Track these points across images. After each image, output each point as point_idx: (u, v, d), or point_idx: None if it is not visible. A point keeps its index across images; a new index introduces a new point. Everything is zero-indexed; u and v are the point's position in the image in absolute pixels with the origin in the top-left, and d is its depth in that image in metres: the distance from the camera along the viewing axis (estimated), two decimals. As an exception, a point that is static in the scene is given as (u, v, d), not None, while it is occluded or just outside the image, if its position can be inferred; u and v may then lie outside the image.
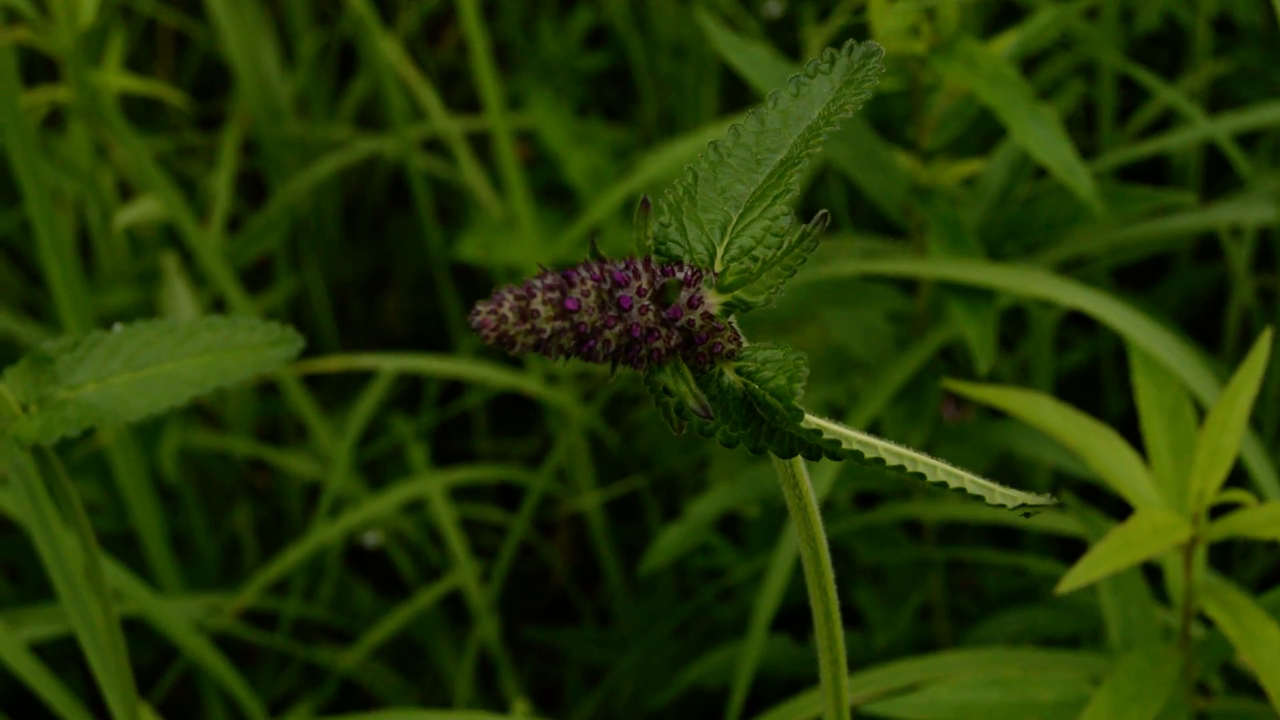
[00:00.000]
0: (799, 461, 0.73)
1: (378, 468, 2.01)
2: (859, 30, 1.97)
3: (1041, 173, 1.67)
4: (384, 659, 1.87)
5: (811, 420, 0.66)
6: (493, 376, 1.72)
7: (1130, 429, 1.22)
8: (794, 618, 1.63)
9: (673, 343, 0.66)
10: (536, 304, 0.63)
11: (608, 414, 1.93)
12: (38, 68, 2.24)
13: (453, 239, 2.05)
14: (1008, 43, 1.47)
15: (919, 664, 1.24)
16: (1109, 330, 1.85)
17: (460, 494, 1.96)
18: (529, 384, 1.73)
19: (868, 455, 0.66)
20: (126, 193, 2.02)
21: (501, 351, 2.03)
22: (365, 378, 1.93)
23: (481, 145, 2.17)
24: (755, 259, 0.70)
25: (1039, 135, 1.34)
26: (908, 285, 1.54)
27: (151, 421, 1.79)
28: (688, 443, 1.81)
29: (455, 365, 1.75)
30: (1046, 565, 1.57)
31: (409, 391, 2.11)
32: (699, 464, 1.84)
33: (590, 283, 0.65)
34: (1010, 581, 1.66)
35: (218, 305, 1.96)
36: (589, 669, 1.85)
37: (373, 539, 1.85)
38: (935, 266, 1.38)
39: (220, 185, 1.98)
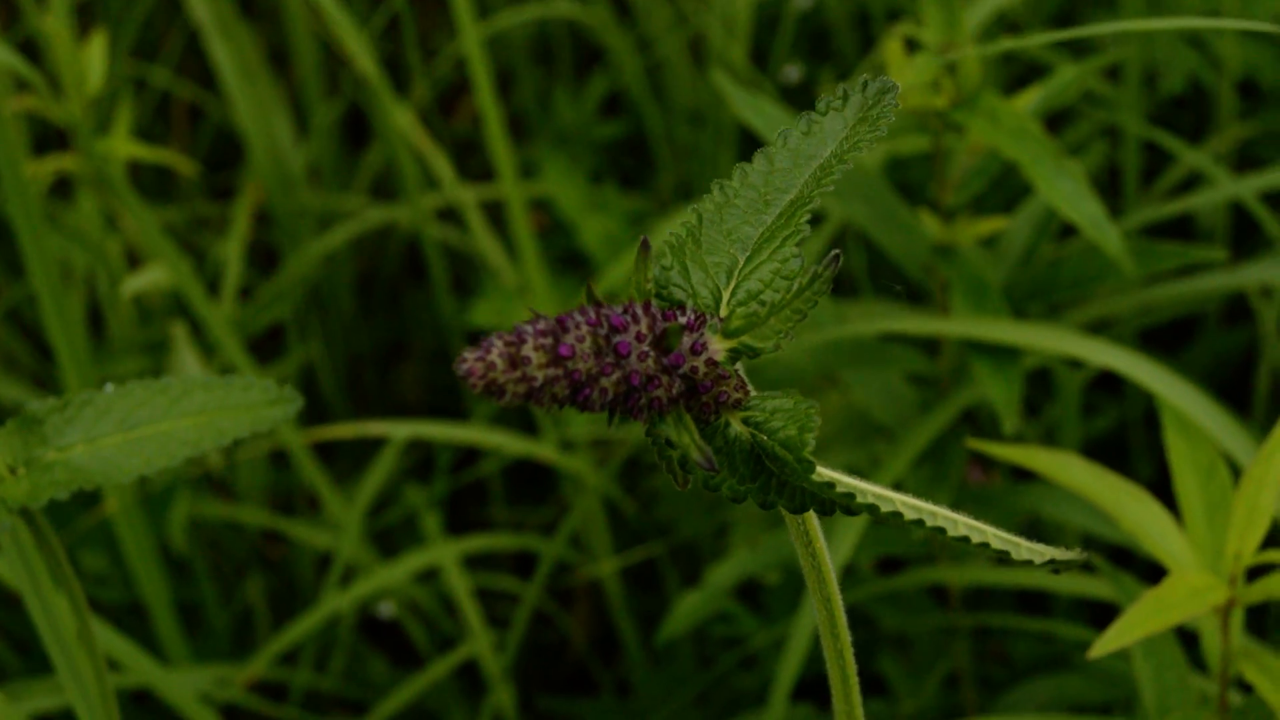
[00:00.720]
0: (813, 519, 0.69)
1: (391, 538, 1.97)
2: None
3: (1066, 233, 1.63)
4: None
5: (824, 473, 0.63)
6: (506, 443, 1.69)
7: (1159, 495, 1.18)
8: (817, 686, 1.58)
9: (674, 391, 0.63)
10: (527, 350, 0.60)
11: (626, 482, 1.89)
12: (51, 138, 2.23)
13: (467, 308, 2.02)
14: (1030, 99, 1.44)
15: (946, 734, 1.20)
16: (1136, 395, 1.81)
17: (477, 565, 1.92)
18: (544, 451, 1.70)
19: (884, 509, 0.62)
20: (136, 263, 2.00)
21: (516, 417, 2.01)
22: (380, 450, 1.90)
23: (498, 215, 2.15)
24: (763, 303, 0.67)
25: (1064, 190, 1.31)
26: (930, 346, 1.50)
27: (160, 491, 1.76)
28: (708, 509, 1.78)
29: (468, 432, 1.71)
30: (1077, 631, 1.53)
31: (424, 462, 2.08)
32: (719, 531, 1.80)
33: (585, 328, 0.61)
34: (1040, 648, 1.62)
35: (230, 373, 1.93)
36: (608, 743, 1.81)
37: (387, 610, 1.81)
38: (959, 325, 1.35)
39: (231, 253, 1.96)
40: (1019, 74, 2.01)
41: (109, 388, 0.95)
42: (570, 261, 2.14)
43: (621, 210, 1.97)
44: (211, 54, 2.03)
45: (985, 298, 1.37)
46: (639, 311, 0.62)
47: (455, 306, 2.04)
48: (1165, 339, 2.00)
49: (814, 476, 0.62)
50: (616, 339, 0.61)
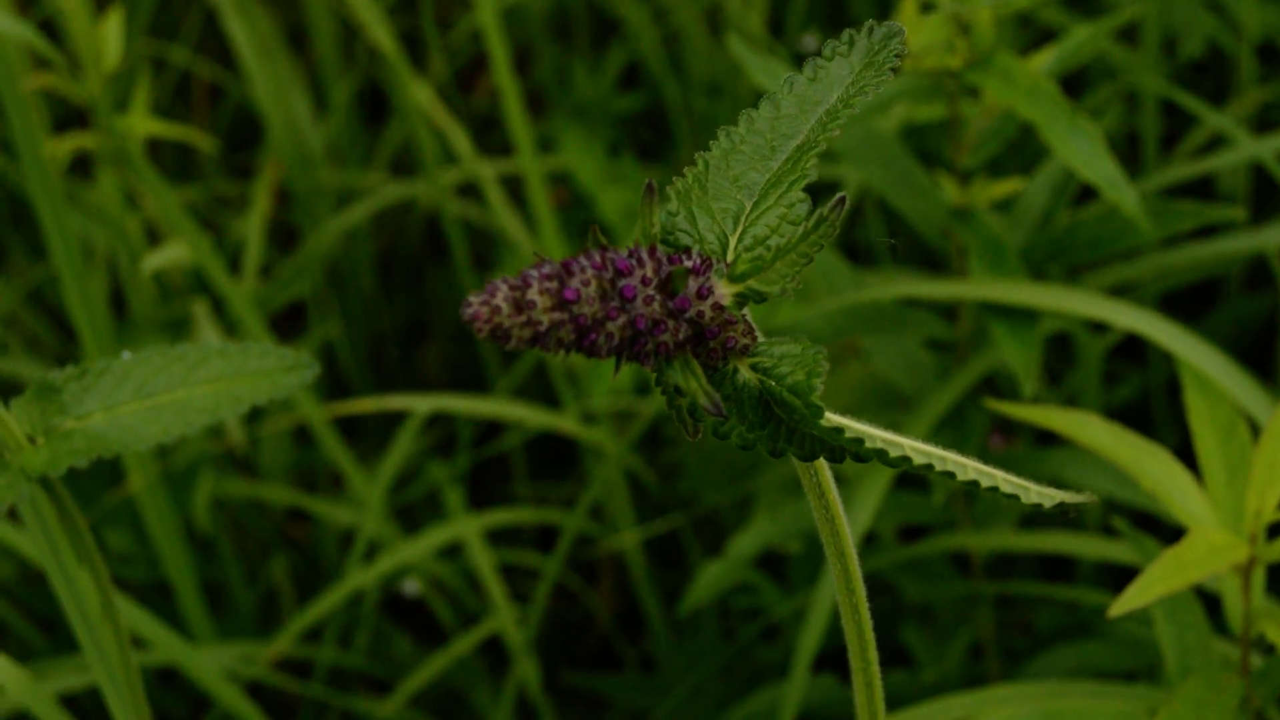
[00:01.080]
0: (825, 469, 0.69)
1: (414, 514, 1.97)
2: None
3: (1084, 198, 1.63)
4: (424, 708, 1.83)
5: (832, 418, 0.62)
6: (529, 416, 1.69)
7: (1183, 463, 1.18)
8: (840, 658, 1.58)
9: (681, 336, 0.62)
10: (533, 294, 0.59)
11: (647, 455, 1.89)
12: (70, 117, 2.23)
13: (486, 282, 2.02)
14: (1045, 59, 1.43)
15: (969, 698, 1.20)
16: (1159, 363, 1.80)
17: (500, 541, 1.92)
18: (565, 423, 1.70)
19: (893, 454, 0.62)
20: (157, 241, 2.00)
21: (538, 391, 2.00)
22: (403, 428, 1.90)
23: (517, 189, 2.14)
24: (769, 247, 0.66)
25: (1080, 150, 1.30)
26: (949, 312, 1.50)
27: (183, 469, 1.76)
28: (730, 481, 1.77)
29: (490, 405, 1.71)
30: (1100, 598, 1.52)
31: (447, 440, 2.08)
32: (742, 503, 1.80)
33: (591, 272, 0.61)
34: (1063, 617, 1.61)
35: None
36: (633, 716, 1.81)
37: (412, 588, 1.81)
38: (977, 288, 1.34)
39: (252, 230, 1.96)
40: (1036, 40, 2.00)
41: (126, 355, 0.95)
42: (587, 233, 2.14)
43: (639, 181, 1.97)
44: (229, 32, 2.03)
45: (1002, 260, 1.36)
46: (644, 255, 0.62)
47: (475, 280, 2.04)
48: (1187, 305, 2.00)
49: (821, 421, 0.61)
50: (622, 282, 0.61)
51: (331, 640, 1.76)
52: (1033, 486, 0.64)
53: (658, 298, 0.61)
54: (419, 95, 1.97)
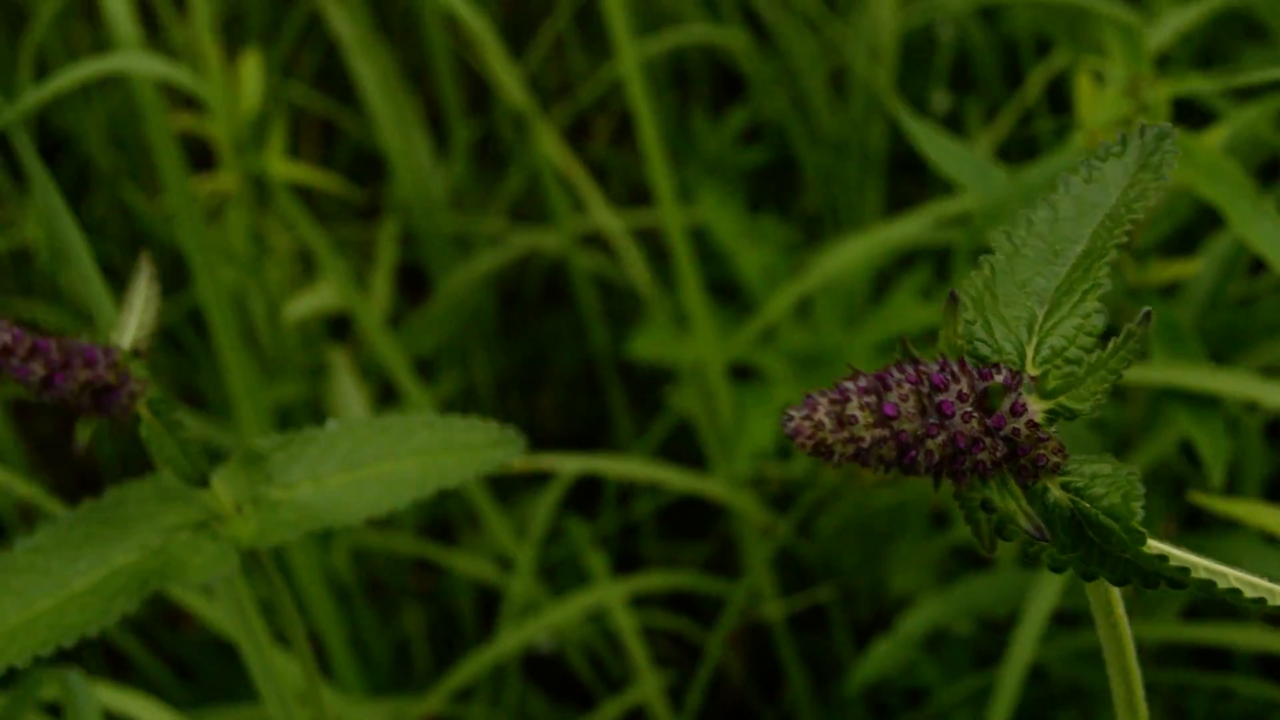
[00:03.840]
0: (1114, 592, 0.67)
1: (551, 571, 1.94)
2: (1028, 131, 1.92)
3: (1254, 269, 1.59)
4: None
5: (1154, 545, 0.60)
6: (674, 479, 1.66)
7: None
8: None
9: (998, 454, 0.60)
10: (853, 409, 0.57)
11: (780, 509, 1.85)
12: (191, 158, 2.22)
13: (615, 336, 2.00)
14: (1219, 136, 1.40)
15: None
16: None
17: (632, 600, 1.89)
18: (713, 488, 1.67)
19: (1220, 585, 0.59)
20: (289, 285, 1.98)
21: (680, 452, 1.97)
22: (528, 474, 1.87)
23: (641, 241, 2.12)
24: (1069, 360, 0.64)
25: (1265, 232, 1.27)
26: (1116, 394, 1.46)
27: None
28: (865, 547, 1.74)
29: (635, 467, 1.68)
30: (1257, 687, 1.49)
31: (576, 492, 2.05)
32: (869, 561, 1.76)
33: (907, 386, 0.58)
34: (1219, 706, 1.57)
35: (384, 399, 1.92)
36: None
37: (548, 644, 1.78)
38: (1160, 372, 1.31)
39: (380, 281, 1.94)
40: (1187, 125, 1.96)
41: (331, 424, 0.93)
42: (717, 291, 2.11)
43: (777, 239, 1.94)
44: (354, 70, 2.01)
45: (1181, 342, 1.33)
46: (956, 370, 0.60)
47: (605, 334, 2.01)
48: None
49: (1143, 548, 0.59)
50: (939, 398, 0.59)
51: (481, 700, 1.73)
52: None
53: (975, 414, 0.59)
54: (548, 145, 1.95)
